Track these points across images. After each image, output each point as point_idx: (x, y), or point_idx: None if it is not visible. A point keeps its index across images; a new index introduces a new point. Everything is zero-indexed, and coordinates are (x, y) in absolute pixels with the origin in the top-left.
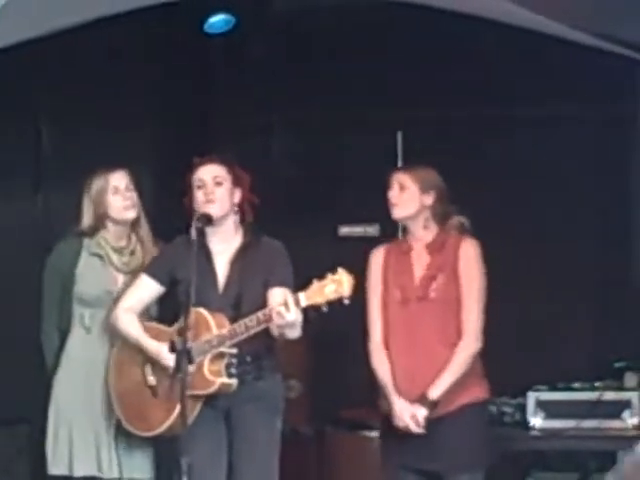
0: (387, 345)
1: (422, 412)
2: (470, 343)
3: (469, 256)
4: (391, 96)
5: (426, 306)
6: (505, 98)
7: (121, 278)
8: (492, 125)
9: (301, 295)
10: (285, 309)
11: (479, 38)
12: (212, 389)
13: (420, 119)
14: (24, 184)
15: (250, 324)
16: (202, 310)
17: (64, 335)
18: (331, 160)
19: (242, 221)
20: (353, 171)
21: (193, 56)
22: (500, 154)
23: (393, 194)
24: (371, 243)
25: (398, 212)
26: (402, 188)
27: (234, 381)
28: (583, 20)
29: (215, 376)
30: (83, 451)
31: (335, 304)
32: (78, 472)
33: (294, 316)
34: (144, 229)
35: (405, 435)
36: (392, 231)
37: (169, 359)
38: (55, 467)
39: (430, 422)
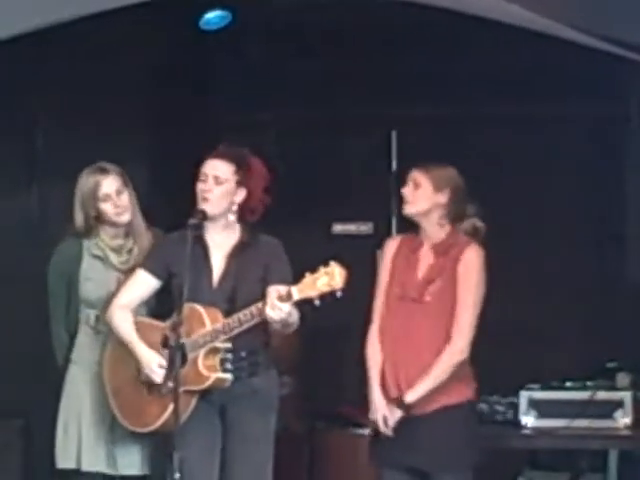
0: (380, 336)
1: (396, 414)
2: (455, 353)
3: (470, 264)
4: (385, 95)
5: (420, 308)
6: (501, 96)
7: (122, 278)
8: (488, 123)
9: (293, 289)
10: (278, 303)
11: (474, 36)
12: (206, 384)
13: (414, 118)
14: (19, 181)
15: (244, 318)
16: (196, 305)
17: (73, 335)
18: (325, 158)
19: (244, 220)
20: (347, 169)
21: (189, 53)
22: (496, 153)
23: (407, 191)
24: (364, 241)
25: (408, 208)
26: (416, 185)
27: (229, 376)
28: (580, 19)
29: (210, 371)
30: (92, 446)
31: (328, 299)
32: (86, 467)
33: (287, 310)
34: (139, 225)
35: (394, 430)
36: (385, 229)
37: (157, 374)
38: (63, 461)
39: (414, 420)
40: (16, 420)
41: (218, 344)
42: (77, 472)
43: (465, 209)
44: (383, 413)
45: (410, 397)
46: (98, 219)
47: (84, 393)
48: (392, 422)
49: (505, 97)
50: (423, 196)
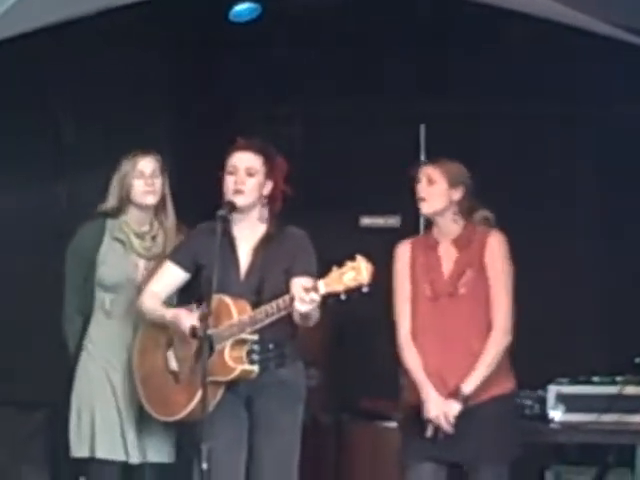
0: (415, 340)
1: (456, 407)
2: (500, 337)
3: (495, 250)
4: (415, 88)
5: (456, 302)
6: (532, 94)
7: (142, 264)
8: (517, 120)
9: (320, 283)
10: (304, 296)
11: (505, 31)
12: (233, 375)
13: (444, 112)
14: (45, 171)
15: (270, 311)
16: (224, 296)
17: (86, 319)
18: (353, 152)
19: (270, 211)
20: (375, 163)
21: (215, 44)
22: (524, 148)
23: (422, 188)
24: (392, 234)
25: (427, 207)
26: (430, 182)
27: (255, 368)
28: (614, 15)
29: (236, 362)
30: (105, 433)
31: (354, 295)
32: (101, 454)
33: (317, 301)
34: (169, 215)
35: (428, 426)
36: (413, 222)
37: (187, 320)
38: (78, 450)
39: (463, 413)
40: (40, 411)
41: (245, 336)
42: (93, 460)
43: (473, 202)
44: (443, 410)
45: (467, 387)
46: (128, 199)
47: (97, 380)
48: (452, 417)
49: (534, 94)
50: (438, 193)
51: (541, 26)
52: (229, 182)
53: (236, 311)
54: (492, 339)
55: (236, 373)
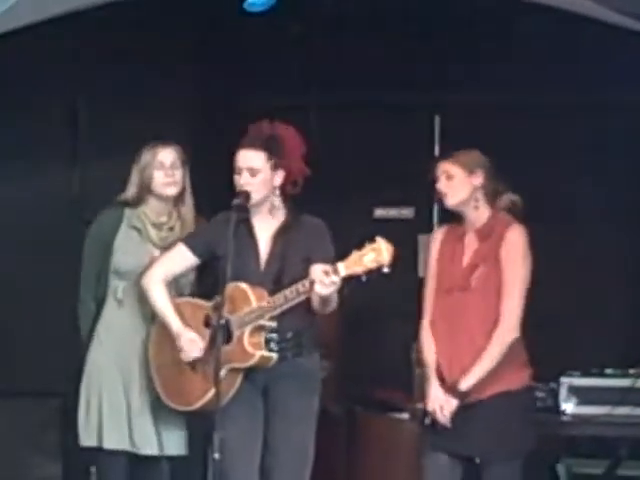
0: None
1: (453, 403)
2: (504, 332)
3: (513, 244)
4: (430, 79)
5: (468, 296)
6: (546, 83)
7: (157, 253)
8: (531, 110)
9: (340, 265)
10: (324, 279)
11: (521, 21)
12: (252, 362)
13: (458, 103)
14: (61, 158)
15: (290, 295)
16: (242, 284)
17: (101, 305)
18: (368, 142)
19: (285, 197)
20: (389, 154)
21: (231, 33)
22: (538, 139)
23: (442, 185)
24: (406, 225)
25: (450, 200)
26: (449, 177)
27: (274, 354)
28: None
29: (255, 349)
30: (113, 423)
31: (374, 276)
32: (108, 445)
33: (334, 286)
34: (187, 206)
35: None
36: (427, 214)
37: (185, 350)
38: (86, 439)
39: (466, 407)
40: (53, 399)
41: (264, 322)
42: (101, 450)
43: (498, 185)
44: (440, 403)
45: (464, 384)
46: (148, 189)
47: (106, 368)
48: (448, 412)
49: (550, 84)
50: (459, 185)
51: (557, 16)
52: (236, 181)
53: (254, 298)
54: (496, 335)
55: (255, 359)
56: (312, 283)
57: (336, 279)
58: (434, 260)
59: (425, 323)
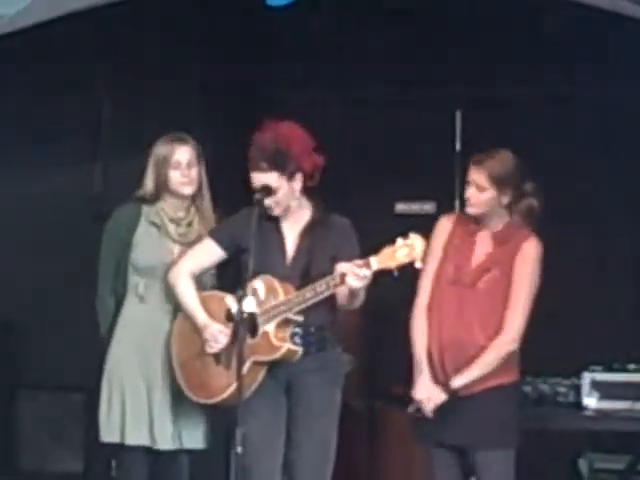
0: (429, 311)
1: (441, 397)
2: (506, 342)
3: (528, 257)
4: (451, 74)
5: (472, 294)
6: (565, 77)
7: (177, 249)
8: (551, 104)
9: (372, 259)
10: (357, 271)
11: (541, 17)
12: (278, 354)
13: (479, 99)
14: (83, 152)
15: (319, 289)
16: (270, 277)
17: (120, 301)
18: (389, 137)
19: (306, 191)
20: (411, 149)
21: (255, 28)
22: (558, 134)
23: (471, 194)
24: (428, 220)
25: (474, 210)
26: (480, 189)
27: (300, 348)
28: None
29: (281, 342)
30: (135, 419)
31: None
32: (130, 440)
33: (365, 280)
34: (205, 201)
35: (436, 410)
36: (448, 209)
37: (210, 342)
38: (108, 435)
39: (460, 399)
40: (78, 394)
41: (291, 316)
42: (123, 446)
43: (524, 189)
44: (427, 394)
45: (457, 383)
46: (165, 187)
47: (128, 364)
48: (433, 405)
49: (568, 78)
50: (488, 200)
51: (575, 11)
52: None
53: (282, 292)
54: (496, 344)
55: (282, 352)
56: (343, 277)
57: (368, 273)
58: (439, 247)
59: (421, 306)
